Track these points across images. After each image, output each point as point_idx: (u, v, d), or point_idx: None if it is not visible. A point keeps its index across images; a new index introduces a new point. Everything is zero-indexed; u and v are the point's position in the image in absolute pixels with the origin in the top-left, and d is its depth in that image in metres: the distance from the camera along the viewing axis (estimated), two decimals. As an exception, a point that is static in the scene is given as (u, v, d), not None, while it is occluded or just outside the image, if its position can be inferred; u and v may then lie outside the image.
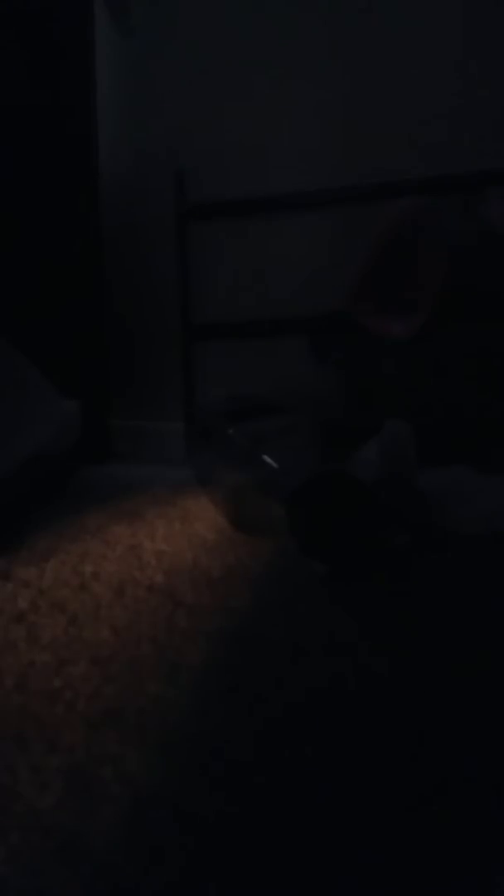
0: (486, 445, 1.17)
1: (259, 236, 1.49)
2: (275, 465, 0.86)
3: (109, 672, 0.52)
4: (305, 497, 0.77)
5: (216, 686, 0.51)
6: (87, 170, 1.46)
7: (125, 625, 0.61)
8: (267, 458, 0.87)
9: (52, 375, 1.06)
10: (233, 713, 0.47)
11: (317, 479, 0.78)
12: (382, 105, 1.38)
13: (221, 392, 1.47)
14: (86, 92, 1.46)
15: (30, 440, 0.96)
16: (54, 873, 0.33)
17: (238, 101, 1.47)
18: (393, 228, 1.25)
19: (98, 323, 1.50)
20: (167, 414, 1.58)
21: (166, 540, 0.86)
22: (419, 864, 0.34)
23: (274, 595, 0.69)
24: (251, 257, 1.50)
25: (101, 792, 0.38)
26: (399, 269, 1.24)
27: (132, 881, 0.32)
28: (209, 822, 0.36)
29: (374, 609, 0.65)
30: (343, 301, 1.28)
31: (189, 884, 0.33)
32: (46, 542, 0.85)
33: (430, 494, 0.92)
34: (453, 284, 1.21)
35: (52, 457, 1.04)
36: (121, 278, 1.57)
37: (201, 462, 1.06)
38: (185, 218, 1.50)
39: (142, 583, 0.71)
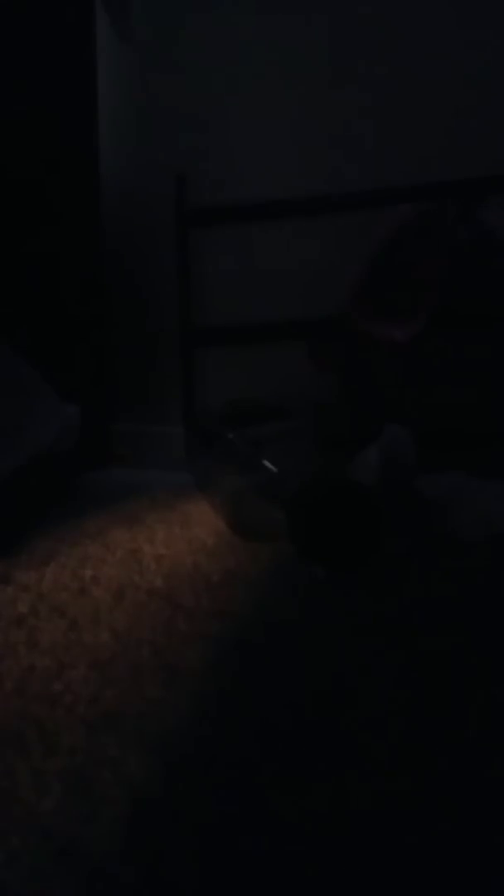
0: (485, 450, 1.18)
1: (259, 241, 1.49)
2: (274, 469, 0.86)
3: (109, 676, 0.52)
4: (305, 501, 0.77)
5: (216, 690, 0.51)
6: (88, 175, 1.47)
7: (125, 629, 0.61)
8: (266, 463, 0.87)
9: (52, 379, 1.06)
10: (232, 717, 0.47)
11: (316, 484, 0.79)
12: (383, 110, 1.39)
13: (221, 396, 1.47)
14: (87, 97, 1.47)
15: (32, 440, 0.97)
16: (54, 877, 0.33)
17: (239, 107, 1.48)
18: (392, 234, 1.25)
19: (98, 327, 1.51)
20: (167, 418, 1.58)
21: (166, 544, 0.86)
22: (421, 874, 0.34)
23: (273, 599, 0.69)
24: (251, 262, 1.50)
25: (101, 795, 0.38)
26: (398, 274, 1.24)
27: (132, 884, 0.32)
28: (209, 825, 0.36)
29: (373, 613, 0.65)
30: (343, 306, 1.29)
31: (190, 887, 0.33)
32: (46, 546, 0.85)
33: (429, 499, 0.92)
34: (452, 290, 1.21)
35: (54, 458, 1.04)
36: (121, 282, 1.57)
37: (201, 466, 1.06)
38: (185, 223, 1.51)
39: (141, 587, 0.71)
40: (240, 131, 1.48)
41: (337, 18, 1.39)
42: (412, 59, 1.35)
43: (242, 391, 1.47)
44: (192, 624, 0.62)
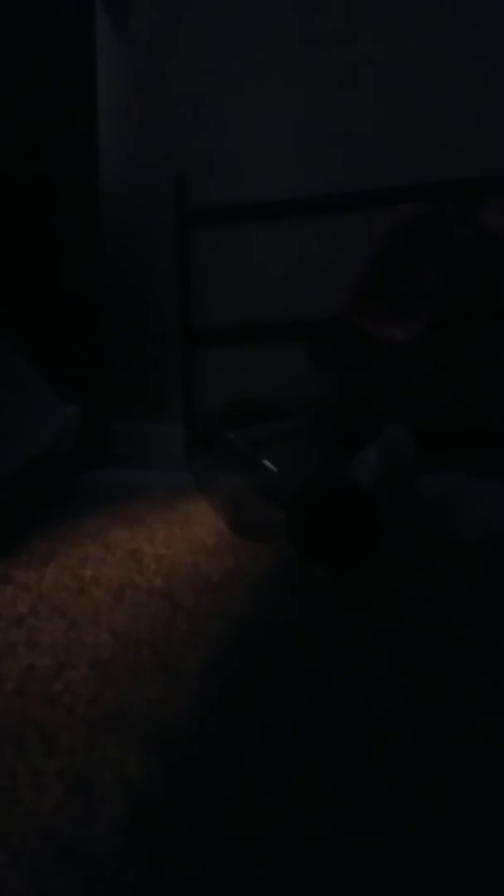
0: (485, 450, 1.18)
1: (259, 241, 1.49)
2: (274, 469, 0.86)
3: (109, 676, 0.52)
4: (305, 502, 0.77)
5: (215, 690, 0.51)
6: (88, 175, 1.47)
7: (125, 629, 0.61)
8: (266, 463, 0.87)
9: (52, 379, 1.06)
10: (233, 717, 0.47)
11: (316, 484, 0.79)
12: (383, 110, 1.39)
13: (221, 396, 1.47)
14: (87, 97, 1.47)
15: (32, 440, 0.97)
16: (54, 876, 0.33)
17: (240, 108, 1.48)
18: (392, 233, 1.25)
19: (98, 327, 1.51)
20: (167, 418, 1.58)
21: (166, 544, 0.86)
22: (418, 872, 0.34)
23: (273, 599, 0.69)
24: (251, 262, 1.50)
25: (101, 796, 0.38)
26: (398, 274, 1.24)
27: (132, 884, 0.32)
28: (209, 826, 0.36)
29: (373, 614, 0.65)
30: (343, 306, 1.29)
31: (190, 888, 0.33)
32: (46, 546, 0.85)
33: (429, 499, 0.92)
34: (452, 290, 1.21)
35: (54, 458, 1.04)
36: (121, 282, 1.57)
37: (201, 466, 1.06)
38: (185, 223, 1.51)
39: (141, 587, 0.71)
40: (240, 131, 1.48)
41: (338, 19, 1.39)
42: (413, 59, 1.35)
43: (242, 391, 1.47)
44: (192, 624, 0.62)
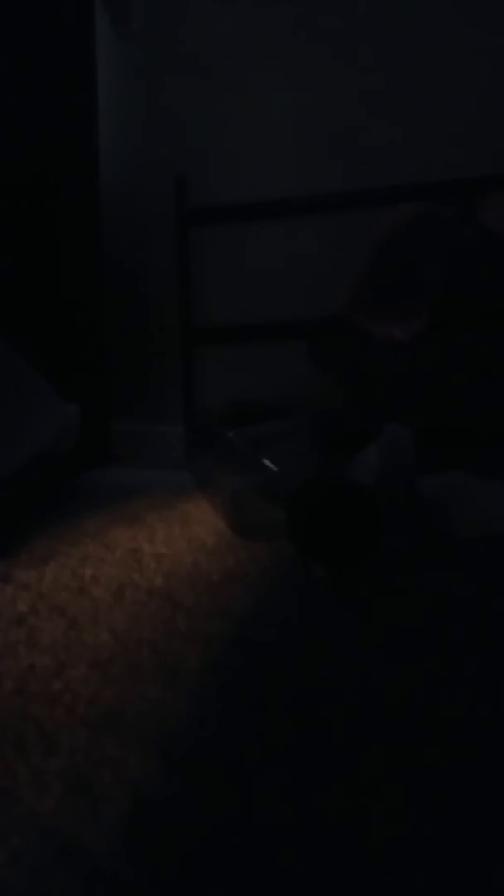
0: (485, 450, 1.17)
1: (259, 241, 1.49)
2: (274, 468, 0.86)
3: (109, 675, 0.52)
4: (305, 501, 0.77)
5: (216, 690, 0.51)
6: (88, 175, 1.47)
7: (124, 628, 0.61)
8: (266, 462, 0.87)
9: (52, 379, 1.06)
10: (232, 717, 0.47)
11: (316, 483, 0.79)
12: (383, 110, 1.39)
13: (221, 396, 1.47)
14: (86, 96, 1.47)
15: (32, 440, 0.97)
16: (54, 876, 0.33)
17: (239, 106, 1.48)
18: (392, 233, 1.25)
19: (98, 327, 1.50)
20: (167, 418, 1.58)
21: (166, 543, 0.86)
22: (419, 872, 0.34)
23: (273, 598, 0.69)
24: (251, 262, 1.50)
25: (101, 795, 0.38)
26: (399, 273, 1.24)
27: (132, 884, 0.32)
28: (209, 825, 0.36)
29: (373, 613, 0.65)
30: (343, 306, 1.29)
31: (190, 888, 0.33)
32: (46, 546, 0.85)
33: (429, 498, 0.92)
34: (452, 289, 1.21)
35: (55, 457, 1.04)
36: (121, 282, 1.57)
37: (201, 466, 1.06)
38: (185, 222, 1.51)
39: (141, 586, 0.71)
40: (240, 131, 1.48)
41: (338, 19, 1.39)
42: (413, 59, 1.35)
43: (242, 391, 1.47)
44: (192, 623, 0.62)
